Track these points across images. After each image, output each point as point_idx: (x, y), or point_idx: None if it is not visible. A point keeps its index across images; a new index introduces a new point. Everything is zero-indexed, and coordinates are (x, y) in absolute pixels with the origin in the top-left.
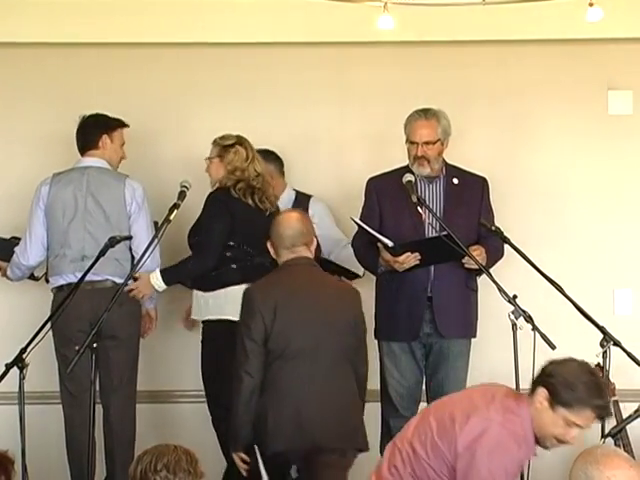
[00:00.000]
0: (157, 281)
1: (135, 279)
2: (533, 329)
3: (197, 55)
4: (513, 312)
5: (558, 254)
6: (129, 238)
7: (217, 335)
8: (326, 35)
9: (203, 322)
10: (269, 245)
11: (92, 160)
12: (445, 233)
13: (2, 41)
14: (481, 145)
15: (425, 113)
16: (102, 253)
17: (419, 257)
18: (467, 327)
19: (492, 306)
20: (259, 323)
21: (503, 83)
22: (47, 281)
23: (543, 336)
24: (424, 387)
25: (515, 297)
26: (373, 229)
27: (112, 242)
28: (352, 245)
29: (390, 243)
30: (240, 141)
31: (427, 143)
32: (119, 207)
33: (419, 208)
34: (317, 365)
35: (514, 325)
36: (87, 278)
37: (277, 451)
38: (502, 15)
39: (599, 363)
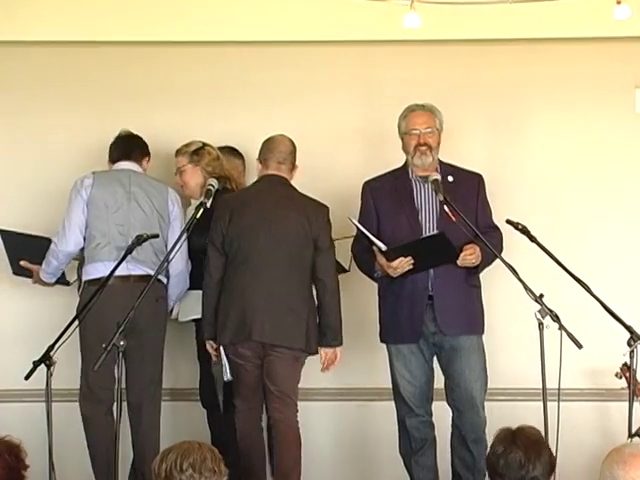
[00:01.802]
0: None
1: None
2: (560, 328)
3: (220, 53)
4: (540, 311)
5: (585, 252)
6: (156, 236)
7: None
8: (352, 33)
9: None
10: (258, 164)
11: (130, 164)
12: (438, 232)
13: (40, 40)
14: (505, 143)
15: (422, 105)
16: (129, 250)
17: (412, 262)
18: (471, 324)
19: (507, 304)
20: (218, 229)
21: (529, 81)
22: (79, 277)
23: (570, 335)
24: (440, 385)
25: (542, 296)
26: (369, 232)
27: (139, 240)
28: (351, 249)
29: (383, 247)
30: (205, 143)
31: (428, 129)
32: (163, 206)
33: (445, 207)
34: (264, 270)
35: (541, 324)
36: (128, 272)
37: (224, 343)
38: (529, 13)
39: (626, 362)
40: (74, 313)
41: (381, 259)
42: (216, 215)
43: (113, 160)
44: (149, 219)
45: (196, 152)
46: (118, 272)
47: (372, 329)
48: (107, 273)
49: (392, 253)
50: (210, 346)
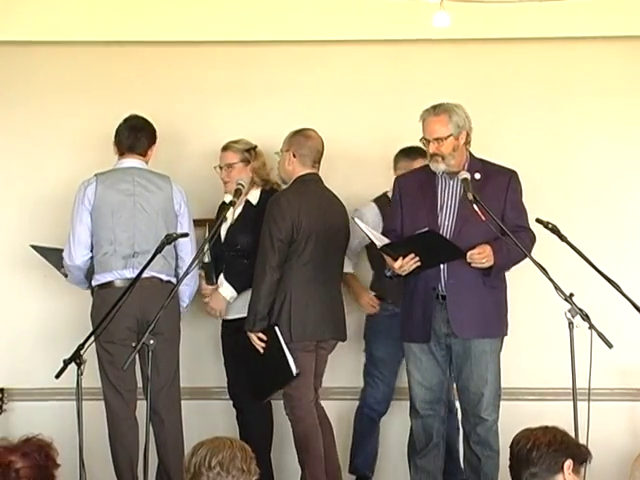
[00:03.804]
0: (228, 291)
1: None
2: (590, 328)
3: (247, 53)
4: (570, 310)
5: (618, 250)
6: (186, 235)
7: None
8: (381, 32)
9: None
10: (290, 156)
11: (135, 161)
12: (427, 229)
13: (42, 40)
14: (536, 142)
15: (435, 109)
16: (159, 250)
17: (417, 259)
18: (486, 326)
19: (535, 303)
20: (288, 224)
21: (559, 80)
22: (90, 283)
23: (600, 335)
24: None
25: (572, 295)
26: (372, 229)
27: (169, 239)
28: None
29: (379, 244)
30: (255, 145)
31: (438, 139)
32: (168, 205)
33: (475, 206)
34: (323, 271)
35: (571, 324)
36: (135, 275)
37: (303, 340)
38: (559, 12)
39: None
40: (85, 315)
41: (388, 258)
42: (285, 210)
43: (120, 151)
44: (155, 222)
45: (248, 151)
46: (127, 275)
47: None
48: (117, 278)
49: (387, 250)
50: (260, 339)
